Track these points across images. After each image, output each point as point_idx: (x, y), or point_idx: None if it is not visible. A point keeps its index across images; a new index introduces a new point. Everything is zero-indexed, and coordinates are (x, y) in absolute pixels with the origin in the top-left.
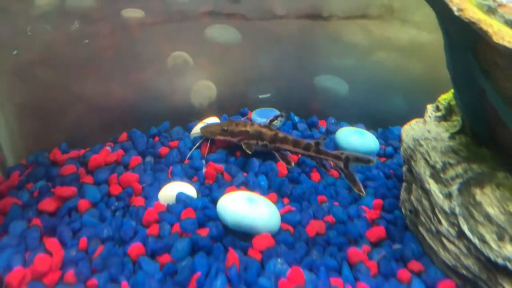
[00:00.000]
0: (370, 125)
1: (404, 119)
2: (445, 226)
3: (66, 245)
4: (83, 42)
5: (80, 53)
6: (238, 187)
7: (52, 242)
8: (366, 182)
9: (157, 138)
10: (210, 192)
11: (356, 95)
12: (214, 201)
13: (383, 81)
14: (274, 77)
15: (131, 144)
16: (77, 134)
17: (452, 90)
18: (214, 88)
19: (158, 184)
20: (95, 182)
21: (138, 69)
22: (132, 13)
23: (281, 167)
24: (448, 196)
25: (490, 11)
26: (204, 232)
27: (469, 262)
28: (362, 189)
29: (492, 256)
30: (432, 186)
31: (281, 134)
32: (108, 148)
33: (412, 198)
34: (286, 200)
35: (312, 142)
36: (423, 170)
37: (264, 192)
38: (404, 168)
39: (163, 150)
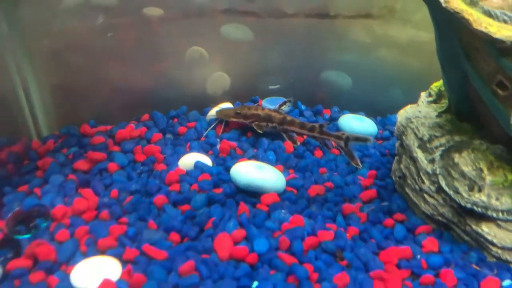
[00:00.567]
0: (370, 114)
1: (401, 108)
2: (427, 184)
3: (99, 195)
4: (108, 33)
5: (106, 43)
6: (249, 159)
7: (87, 191)
8: (363, 158)
9: (175, 120)
10: (224, 162)
11: (359, 87)
12: (227, 169)
13: (384, 75)
14: (283, 70)
15: (152, 123)
16: (103, 113)
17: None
18: (228, 78)
19: (177, 155)
20: (122, 151)
21: (158, 60)
22: (153, 10)
23: (288, 146)
24: (432, 161)
25: (472, 3)
26: (218, 191)
27: (444, 210)
28: (359, 163)
29: (463, 203)
30: (419, 154)
31: (288, 117)
32: (132, 125)
33: (402, 166)
34: (291, 171)
35: (316, 124)
36: (412, 142)
37: (272, 164)
38: (397, 144)
39: (182, 129)
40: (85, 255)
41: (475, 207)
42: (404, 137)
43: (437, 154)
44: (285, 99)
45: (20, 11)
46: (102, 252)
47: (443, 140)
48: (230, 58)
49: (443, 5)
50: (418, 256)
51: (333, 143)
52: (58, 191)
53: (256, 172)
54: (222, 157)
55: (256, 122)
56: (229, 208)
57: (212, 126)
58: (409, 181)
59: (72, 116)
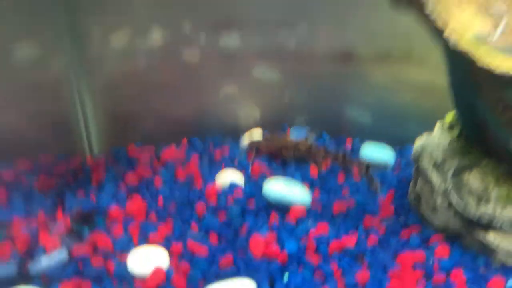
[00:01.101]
0: (389, 144)
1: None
2: (440, 201)
3: (147, 202)
4: (156, 69)
5: (154, 78)
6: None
7: (136, 198)
8: (382, 183)
9: (211, 145)
10: (256, 181)
11: (379, 121)
12: (259, 187)
13: (402, 111)
14: (310, 105)
15: (191, 147)
16: (148, 138)
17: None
18: (258, 111)
19: (213, 175)
20: (165, 169)
21: (198, 94)
22: (195, 53)
23: (314, 170)
24: (444, 180)
25: (479, 41)
26: (251, 204)
27: (455, 223)
28: (378, 187)
29: (471, 215)
30: (433, 175)
31: (314, 146)
32: (174, 147)
33: (417, 188)
34: (316, 190)
35: (340, 153)
36: (426, 165)
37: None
38: (413, 169)
39: (217, 153)
40: (137, 247)
41: (482, 219)
42: (420, 161)
43: (449, 174)
44: (311, 129)
45: (86, 50)
46: (152, 246)
47: (454, 162)
48: (261, 94)
49: (452, 46)
50: (431, 261)
51: (355, 169)
52: (111, 198)
53: (285, 189)
54: (254, 178)
55: (285, 149)
56: (261, 217)
57: (244, 152)
58: (423, 200)
59: (121, 139)
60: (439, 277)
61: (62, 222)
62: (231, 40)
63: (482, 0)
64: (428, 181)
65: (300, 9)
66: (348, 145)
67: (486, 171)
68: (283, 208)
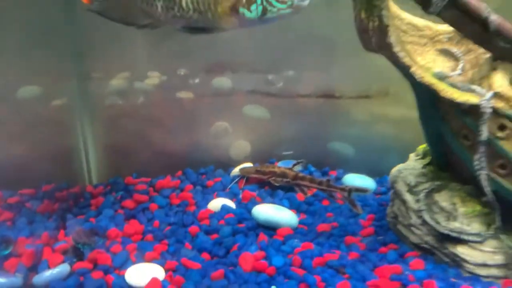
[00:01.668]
0: (370, 175)
1: None
2: (414, 219)
3: (144, 225)
4: (153, 107)
5: (150, 114)
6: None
7: (133, 222)
8: (363, 207)
9: (204, 175)
10: (246, 206)
11: (360, 154)
12: (249, 211)
13: (381, 144)
14: (296, 139)
15: (185, 177)
16: (144, 169)
17: None
18: (248, 146)
19: (206, 201)
20: (160, 196)
21: (191, 130)
22: (188, 93)
23: (300, 196)
24: (417, 201)
25: (441, 79)
26: (242, 225)
27: (428, 238)
28: (360, 210)
29: (441, 231)
30: (408, 197)
31: (300, 174)
32: (169, 177)
33: (395, 209)
34: (302, 214)
35: (324, 179)
36: (402, 188)
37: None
38: (391, 192)
39: (209, 182)
40: (135, 263)
41: (451, 233)
42: (395, 185)
43: (421, 195)
44: (297, 161)
45: (88, 87)
46: (148, 262)
47: (426, 185)
48: (251, 130)
49: (418, 79)
50: (406, 272)
51: (338, 195)
52: (110, 221)
53: (273, 211)
54: (244, 203)
55: (273, 178)
56: (251, 237)
57: (235, 181)
58: (400, 219)
59: (119, 170)
60: (414, 287)
61: (65, 241)
62: (223, 81)
63: (444, 43)
64: (403, 202)
65: (287, 54)
66: (332, 175)
67: (453, 192)
68: (271, 229)
